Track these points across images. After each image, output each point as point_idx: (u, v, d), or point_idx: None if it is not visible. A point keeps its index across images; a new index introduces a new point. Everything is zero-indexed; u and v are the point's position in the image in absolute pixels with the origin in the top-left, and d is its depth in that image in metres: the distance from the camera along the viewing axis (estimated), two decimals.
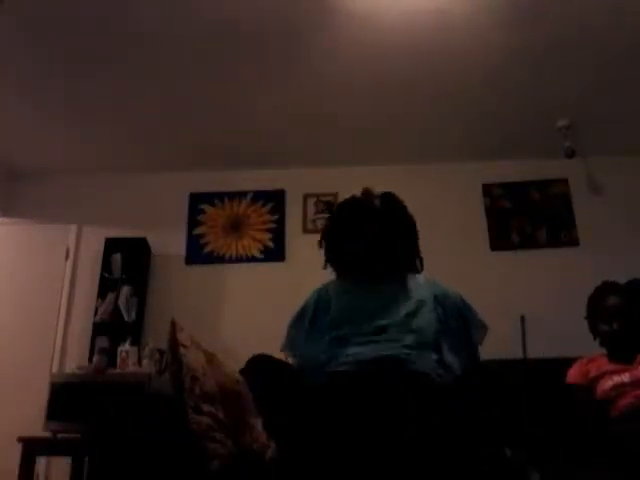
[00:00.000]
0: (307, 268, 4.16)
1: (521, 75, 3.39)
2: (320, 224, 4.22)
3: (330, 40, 3.08)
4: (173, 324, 1.78)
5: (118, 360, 3.48)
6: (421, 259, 1.77)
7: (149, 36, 3.05)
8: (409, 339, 1.50)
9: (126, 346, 3.56)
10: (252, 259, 4.18)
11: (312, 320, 1.64)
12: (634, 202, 4.07)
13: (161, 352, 3.36)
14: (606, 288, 2.65)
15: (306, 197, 4.32)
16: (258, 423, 1.64)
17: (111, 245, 4.06)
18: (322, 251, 1.79)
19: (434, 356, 1.52)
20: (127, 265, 3.98)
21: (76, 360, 3.76)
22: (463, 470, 1.33)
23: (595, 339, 2.62)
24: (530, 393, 3.06)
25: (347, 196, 1.83)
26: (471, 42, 3.12)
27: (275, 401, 1.81)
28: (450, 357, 1.54)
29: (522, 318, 3.77)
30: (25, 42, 3.06)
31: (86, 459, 2.98)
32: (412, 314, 1.55)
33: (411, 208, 1.76)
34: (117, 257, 4.00)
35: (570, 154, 3.75)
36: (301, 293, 1.68)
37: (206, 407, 1.47)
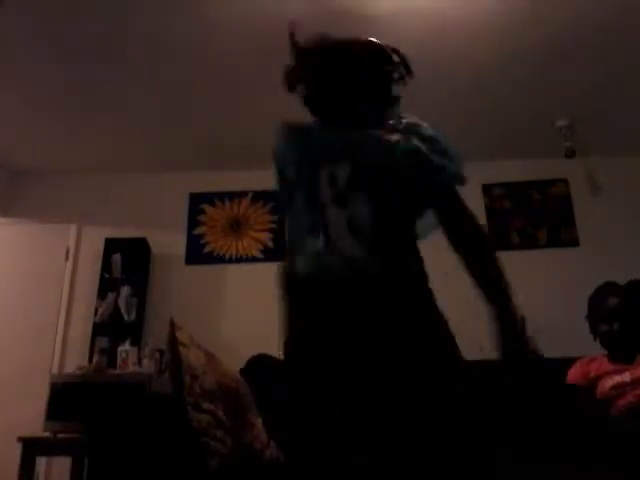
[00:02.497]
0: None
1: (521, 75, 3.39)
2: None
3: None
4: (172, 323, 1.78)
5: (118, 360, 3.48)
6: None
7: (149, 36, 3.06)
8: None
9: (126, 346, 3.56)
10: (252, 259, 4.17)
11: None
12: (634, 202, 4.07)
13: (161, 352, 3.36)
14: (606, 288, 2.65)
15: None
16: (258, 422, 1.64)
17: (111, 245, 4.06)
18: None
19: None
20: (127, 265, 3.98)
21: (76, 360, 3.75)
22: None
23: (595, 339, 2.62)
24: (530, 393, 3.05)
25: None
26: (470, 42, 3.12)
27: (275, 401, 1.81)
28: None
29: (522, 318, 3.76)
30: (25, 42, 3.06)
31: (86, 459, 2.98)
32: None
33: None
34: (117, 257, 4.00)
35: (570, 154, 3.74)
36: None
37: (206, 405, 1.47)
